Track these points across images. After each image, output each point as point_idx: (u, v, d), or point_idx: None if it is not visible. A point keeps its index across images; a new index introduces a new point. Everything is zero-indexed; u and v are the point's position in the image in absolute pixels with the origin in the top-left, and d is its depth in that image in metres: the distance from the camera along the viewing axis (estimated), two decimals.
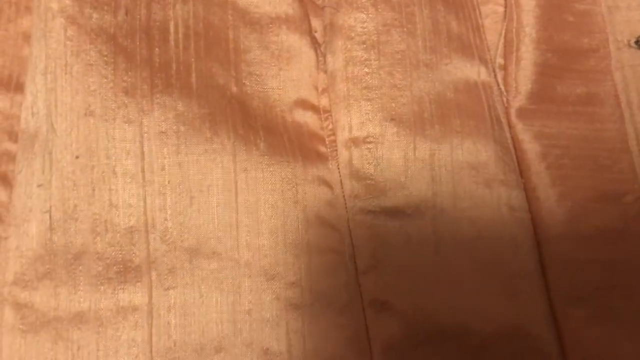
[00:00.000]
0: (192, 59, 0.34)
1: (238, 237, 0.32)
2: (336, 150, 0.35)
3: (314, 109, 0.36)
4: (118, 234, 0.31)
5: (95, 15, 0.33)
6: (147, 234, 0.31)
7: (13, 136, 0.34)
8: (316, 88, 0.36)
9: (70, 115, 0.32)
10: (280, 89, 0.36)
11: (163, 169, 0.32)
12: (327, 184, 0.34)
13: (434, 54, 0.36)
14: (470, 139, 0.35)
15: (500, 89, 0.37)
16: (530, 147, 0.36)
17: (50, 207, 0.31)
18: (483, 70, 0.37)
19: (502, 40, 0.38)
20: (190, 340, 0.31)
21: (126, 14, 0.34)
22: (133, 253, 0.31)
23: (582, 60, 0.38)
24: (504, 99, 0.37)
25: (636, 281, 0.34)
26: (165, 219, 0.32)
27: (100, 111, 0.32)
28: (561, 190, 0.35)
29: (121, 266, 0.31)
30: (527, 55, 0.37)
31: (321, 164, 0.35)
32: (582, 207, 0.35)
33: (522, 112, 0.37)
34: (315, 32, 0.37)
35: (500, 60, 0.38)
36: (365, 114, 0.35)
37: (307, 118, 0.36)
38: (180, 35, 0.34)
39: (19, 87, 0.35)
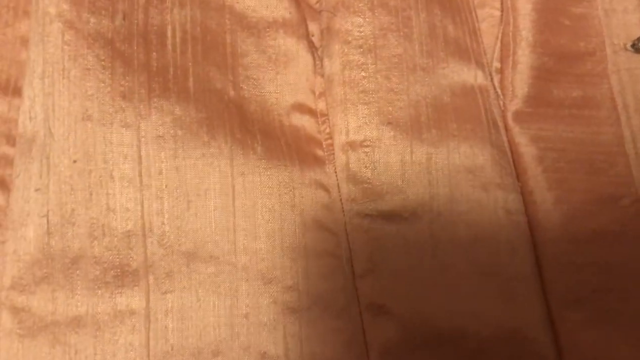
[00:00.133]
0: (190, 63, 0.34)
1: (235, 241, 0.32)
2: (333, 153, 0.35)
3: (311, 112, 0.36)
4: (115, 238, 0.31)
5: (92, 20, 0.33)
6: (144, 238, 0.32)
7: (11, 140, 0.34)
8: (313, 92, 0.37)
9: (68, 120, 0.32)
10: (277, 92, 0.36)
11: (160, 173, 0.32)
12: (324, 187, 0.35)
13: (431, 57, 0.37)
14: (467, 142, 0.35)
15: (496, 92, 0.38)
16: (527, 151, 0.36)
17: (48, 211, 0.31)
18: (480, 74, 0.37)
19: (498, 44, 0.38)
20: (188, 344, 0.31)
21: (124, 18, 0.34)
22: (130, 257, 0.31)
23: (579, 64, 0.38)
24: (501, 103, 0.37)
25: (633, 284, 0.34)
26: (163, 223, 0.32)
27: (98, 115, 0.32)
28: (558, 194, 0.35)
29: (118, 270, 0.31)
30: (524, 58, 0.37)
31: (318, 168, 0.35)
32: (578, 210, 0.35)
33: (518, 116, 0.37)
34: (313, 36, 0.37)
35: (496, 64, 0.38)
36: (362, 117, 0.35)
37: (304, 122, 0.36)
38: (178, 40, 0.35)
39: (17, 91, 0.35)
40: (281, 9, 0.37)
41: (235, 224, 0.32)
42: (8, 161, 0.34)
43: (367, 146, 0.35)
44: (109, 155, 0.32)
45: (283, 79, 0.36)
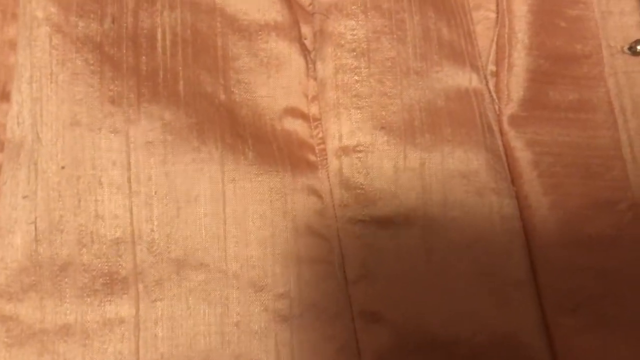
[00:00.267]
0: (180, 67, 0.34)
1: (226, 248, 0.32)
2: (326, 159, 0.35)
3: (304, 117, 0.36)
4: (104, 245, 0.31)
5: (81, 24, 0.33)
6: (133, 245, 0.31)
7: None
8: (306, 96, 0.36)
9: (56, 125, 0.32)
10: (269, 96, 0.36)
11: (150, 179, 0.32)
12: (317, 193, 0.34)
13: (425, 61, 0.36)
14: (462, 147, 0.35)
15: (491, 96, 0.37)
16: (522, 155, 0.36)
17: (36, 218, 0.31)
18: (474, 77, 0.37)
19: (493, 47, 0.38)
20: (178, 352, 0.31)
21: (113, 22, 0.34)
22: (119, 265, 0.31)
23: (575, 67, 0.38)
24: (496, 106, 0.37)
25: (629, 289, 0.34)
26: (152, 230, 0.32)
27: (86, 121, 0.32)
28: (553, 198, 0.35)
29: (107, 278, 0.31)
30: (519, 61, 0.37)
31: (311, 173, 0.35)
32: (574, 215, 0.35)
33: (514, 120, 0.37)
34: (305, 39, 0.37)
35: (491, 67, 0.38)
36: (355, 122, 0.35)
37: (296, 126, 0.36)
38: (168, 43, 0.34)
39: (5, 96, 0.35)
40: (273, 11, 0.37)
41: (226, 231, 0.32)
42: None
43: (360, 151, 0.35)
44: (97, 161, 0.32)
45: (275, 83, 0.36)
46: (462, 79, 0.37)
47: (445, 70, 0.37)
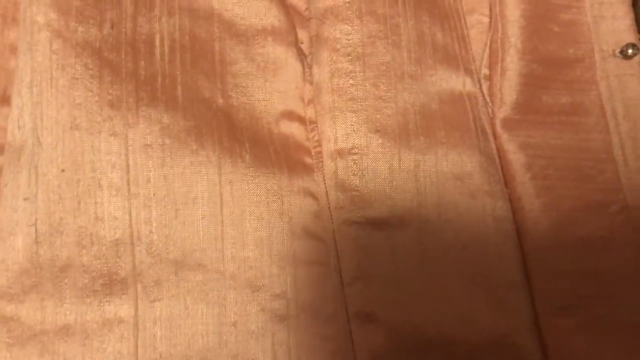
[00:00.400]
0: (178, 72, 0.35)
1: (223, 249, 0.33)
2: (322, 161, 0.36)
3: (300, 120, 0.37)
4: (104, 247, 0.32)
5: (80, 29, 0.34)
6: (132, 246, 0.32)
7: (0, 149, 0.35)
8: (302, 99, 0.37)
9: (56, 129, 0.32)
10: (266, 100, 0.36)
11: (148, 181, 0.33)
12: (313, 195, 0.35)
13: (419, 65, 0.37)
14: (455, 150, 0.36)
15: (485, 99, 0.38)
16: (515, 158, 0.37)
17: (36, 220, 0.32)
18: (468, 80, 0.38)
19: (487, 51, 0.39)
20: (176, 352, 0.32)
21: (112, 27, 0.35)
22: (119, 266, 0.32)
23: (568, 71, 0.38)
24: (489, 110, 0.38)
25: (621, 291, 0.35)
26: (151, 232, 0.32)
27: (86, 124, 0.33)
28: (546, 201, 0.36)
29: (107, 279, 0.32)
30: (512, 65, 0.38)
31: (307, 176, 0.35)
32: (567, 217, 0.36)
33: (507, 123, 0.37)
34: (302, 43, 0.38)
35: (485, 71, 0.39)
36: (351, 125, 0.36)
37: (293, 129, 0.36)
38: (166, 48, 0.35)
39: (6, 100, 0.36)
40: (270, 16, 0.37)
41: (224, 232, 0.33)
42: None
43: (355, 154, 0.35)
44: (97, 164, 0.32)
45: (272, 87, 0.37)
46: (456, 82, 0.37)
47: (439, 74, 0.37)
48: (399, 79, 0.37)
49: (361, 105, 0.36)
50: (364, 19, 0.37)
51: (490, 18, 0.39)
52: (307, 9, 0.38)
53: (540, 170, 0.36)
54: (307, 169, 0.36)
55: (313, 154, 0.36)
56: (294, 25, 0.38)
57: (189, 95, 0.35)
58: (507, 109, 0.37)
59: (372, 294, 0.34)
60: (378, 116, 0.36)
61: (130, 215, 0.32)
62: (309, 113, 0.37)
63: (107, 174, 0.32)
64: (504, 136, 0.37)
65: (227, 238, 0.33)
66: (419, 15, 0.38)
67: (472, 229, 0.35)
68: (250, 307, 0.33)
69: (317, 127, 0.36)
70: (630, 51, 0.38)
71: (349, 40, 0.37)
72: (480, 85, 0.38)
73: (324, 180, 0.36)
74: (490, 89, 0.38)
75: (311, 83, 0.37)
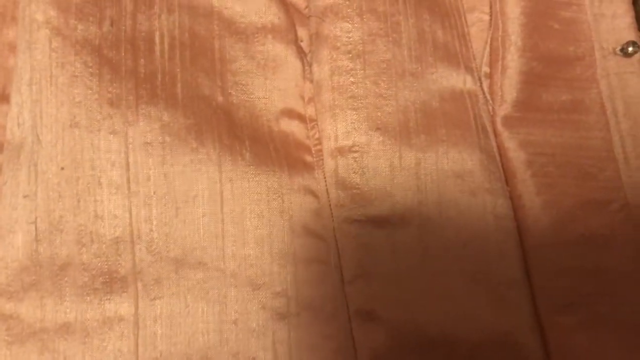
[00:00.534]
0: (178, 69, 0.35)
1: (224, 247, 0.33)
2: (322, 159, 0.36)
3: (300, 118, 0.37)
4: (104, 245, 0.32)
5: (80, 27, 0.34)
6: (132, 244, 0.32)
7: None
8: (302, 97, 0.37)
9: (56, 127, 0.32)
10: (266, 98, 0.37)
11: (148, 179, 0.33)
12: (313, 193, 0.35)
13: (420, 63, 0.37)
14: (456, 147, 0.36)
15: (485, 97, 0.38)
16: (516, 156, 0.37)
17: (36, 218, 0.32)
18: (469, 78, 0.38)
19: (487, 49, 0.39)
20: (177, 350, 0.32)
21: (111, 25, 0.35)
22: (119, 264, 0.32)
23: (568, 68, 0.39)
24: (490, 108, 0.38)
25: (622, 288, 0.35)
26: (151, 230, 0.32)
27: (86, 122, 0.33)
28: (547, 199, 0.36)
29: (107, 277, 0.32)
30: (513, 63, 0.38)
31: (307, 174, 0.35)
32: (567, 215, 0.36)
33: (507, 121, 0.37)
34: (301, 41, 0.38)
35: (485, 69, 0.39)
36: (351, 123, 0.36)
37: (293, 127, 0.37)
38: (166, 46, 0.35)
39: (5, 98, 0.36)
40: (270, 14, 0.37)
41: (224, 230, 0.33)
42: None
43: (355, 152, 0.35)
44: (96, 162, 0.32)
45: (272, 85, 0.37)
46: (457, 80, 0.38)
47: (440, 71, 0.37)
48: (400, 76, 0.37)
49: (362, 103, 0.36)
50: (365, 16, 0.37)
51: (491, 16, 0.40)
52: (306, 7, 0.39)
53: (540, 168, 0.36)
54: (308, 167, 0.36)
55: (313, 152, 0.36)
56: (294, 23, 0.38)
57: (189, 92, 0.35)
58: (508, 107, 0.38)
59: (373, 292, 0.34)
60: (379, 114, 0.36)
61: (130, 213, 0.32)
62: (309, 111, 0.37)
63: (107, 172, 0.32)
64: (504, 134, 0.37)
65: (227, 236, 0.33)
66: (420, 13, 0.38)
67: (473, 226, 0.35)
68: (250, 305, 0.33)
69: (317, 125, 0.37)
70: (630, 49, 0.38)
71: (350, 38, 0.37)
72: (481, 83, 0.39)
73: (325, 178, 0.36)
74: (490, 86, 0.38)
75: (311, 81, 0.37)
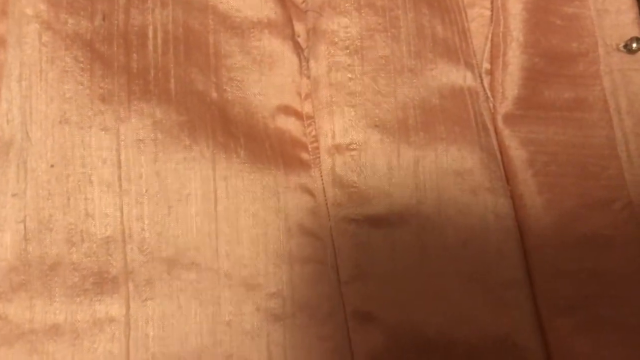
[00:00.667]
0: (171, 65, 0.35)
1: (217, 247, 0.33)
2: (319, 157, 0.36)
3: (297, 115, 0.36)
4: (94, 244, 0.32)
5: (71, 21, 0.34)
6: (124, 244, 0.32)
7: None
8: (299, 94, 0.37)
9: (45, 123, 0.32)
10: (262, 94, 0.36)
11: (140, 177, 0.32)
12: (310, 192, 0.35)
13: (419, 59, 0.37)
14: (456, 145, 0.36)
15: (486, 94, 0.38)
16: (517, 154, 0.36)
17: (25, 216, 0.31)
18: (469, 75, 0.37)
19: (488, 45, 0.39)
20: (169, 352, 0.31)
21: (103, 19, 0.34)
22: (110, 264, 0.32)
23: (571, 65, 0.38)
24: (491, 105, 0.38)
25: (625, 290, 0.35)
26: (143, 229, 0.32)
27: (76, 119, 0.32)
28: (548, 198, 0.36)
29: (97, 277, 0.31)
30: (514, 59, 0.38)
31: (303, 172, 0.35)
32: (569, 214, 0.36)
33: (508, 118, 0.37)
34: (298, 36, 0.38)
35: (486, 65, 0.39)
36: (349, 120, 0.35)
37: (289, 124, 0.36)
38: (159, 41, 0.35)
39: None
40: (266, 9, 0.37)
41: (218, 230, 0.33)
42: None
43: (353, 149, 0.35)
44: (87, 159, 0.32)
45: (268, 81, 0.36)
46: (457, 77, 0.37)
47: (439, 68, 0.37)
48: (398, 73, 0.36)
49: (359, 99, 0.36)
50: (363, 11, 0.37)
51: (492, 11, 0.39)
52: (304, 1, 0.38)
53: (542, 166, 0.36)
54: (304, 165, 0.35)
55: (310, 149, 0.36)
56: (291, 18, 0.38)
57: (183, 88, 0.34)
58: (509, 104, 0.37)
59: (370, 293, 0.34)
60: (377, 111, 0.36)
61: (121, 212, 0.32)
62: (306, 108, 0.37)
63: (97, 169, 0.32)
64: (505, 132, 0.37)
65: (221, 235, 0.33)
66: (419, 8, 0.38)
67: (473, 226, 0.35)
68: (245, 306, 0.32)
69: (314, 122, 0.36)
70: (634, 45, 0.38)
71: (347, 33, 0.37)
72: (482, 79, 0.38)
73: (321, 176, 0.35)
74: (491, 83, 0.38)
75: (308, 77, 0.37)
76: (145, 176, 0.32)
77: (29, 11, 0.33)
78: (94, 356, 0.31)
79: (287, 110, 0.36)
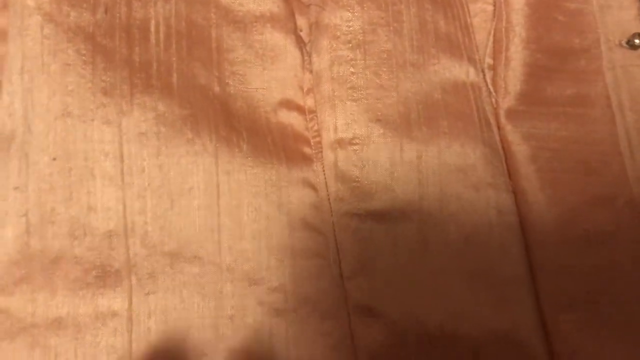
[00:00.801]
0: (174, 58, 0.35)
1: (220, 241, 0.33)
2: (321, 151, 0.36)
3: (299, 109, 0.37)
4: (97, 238, 0.32)
5: (73, 13, 0.34)
6: (126, 238, 0.32)
7: None
8: (301, 88, 0.37)
9: (47, 116, 0.32)
10: (264, 89, 0.36)
11: (143, 171, 0.32)
12: (312, 186, 0.35)
13: (421, 53, 0.37)
14: (458, 141, 0.36)
15: (489, 89, 0.38)
16: (520, 149, 0.37)
17: (27, 210, 0.31)
18: (472, 70, 0.38)
19: (491, 40, 0.39)
20: (171, 346, 0.31)
21: (105, 12, 0.34)
22: (112, 257, 0.32)
23: (573, 61, 0.38)
24: (493, 100, 0.38)
25: (627, 286, 0.35)
26: (145, 223, 0.32)
27: (78, 112, 0.32)
28: (551, 194, 0.36)
29: (100, 271, 0.32)
30: (517, 55, 0.38)
31: (306, 166, 0.35)
32: (572, 210, 0.36)
33: (511, 114, 0.37)
34: (301, 30, 0.38)
35: (489, 60, 0.39)
36: (351, 114, 0.35)
37: (292, 119, 0.36)
38: (162, 34, 0.35)
39: None
40: (269, 2, 0.37)
41: (220, 224, 0.33)
42: None
43: (355, 144, 0.35)
44: (89, 152, 0.32)
45: (270, 75, 0.36)
46: (459, 72, 0.37)
47: (442, 63, 0.37)
48: (401, 67, 0.36)
49: (362, 94, 0.36)
50: (365, 5, 0.37)
51: (495, 6, 0.39)
52: None
53: (545, 162, 0.36)
54: (306, 160, 0.35)
55: (312, 144, 0.36)
56: (293, 11, 0.38)
57: (185, 82, 0.34)
58: (511, 100, 0.37)
59: (372, 288, 0.34)
60: (379, 105, 0.36)
61: (124, 205, 0.32)
62: (309, 102, 0.37)
63: (100, 163, 0.32)
64: (508, 127, 0.37)
65: (223, 230, 0.33)
66: (421, 3, 0.38)
67: (475, 222, 0.35)
68: (247, 300, 0.32)
69: (316, 116, 0.36)
70: (637, 41, 0.38)
71: (350, 27, 0.37)
72: (484, 75, 0.38)
73: (324, 171, 0.35)
74: (494, 78, 0.38)
75: (311, 71, 0.37)
76: (148, 170, 0.32)
77: (31, 3, 0.33)
78: (96, 350, 0.31)
79: (289, 104, 0.36)
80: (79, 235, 0.32)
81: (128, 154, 0.32)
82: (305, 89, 0.37)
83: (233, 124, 0.34)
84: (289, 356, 0.32)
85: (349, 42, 0.36)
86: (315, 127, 0.36)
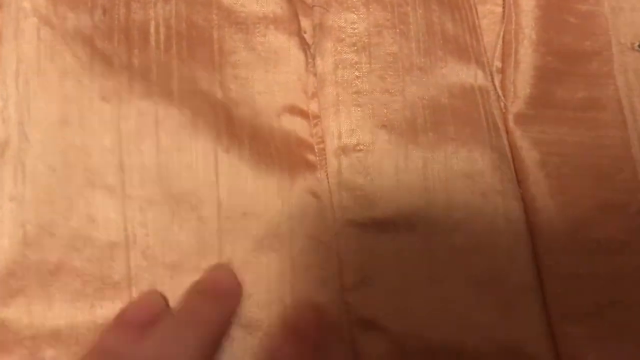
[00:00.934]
0: (174, 61, 0.34)
1: (220, 252, 0.32)
2: (325, 158, 0.35)
3: (303, 114, 0.36)
4: (97, 250, 0.31)
5: (70, 15, 0.33)
6: (127, 249, 0.31)
7: None
8: (305, 92, 0.36)
9: (45, 124, 0.32)
10: (267, 92, 0.36)
11: (143, 180, 0.32)
12: (315, 194, 0.34)
13: (428, 56, 0.36)
14: (466, 146, 0.35)
15: (497, 93, 0.38)
16: (529, 155, 0.36)
17: (24, 221, 0.31)
18: (480, 74, 0.37)
19: (500, 42, 0.38)
20: None
21: (104, 14, 0.34)
22: (112, 269, 0.31)
23: (584, 64, 0.38)
24: (502, 104, 0.37)
25: (638, 297, 0.34)
26: (147, 234, 0.32)
27: (77, 119, 0.32)
28: (561, 200, 0.35)
29: (100, 282, 0.31)
30: (526, 58, 0.37)
31: (309, 174, 0.35)
32: (583, 218, 0.35)
33: (520, 118, 0.37)
34: (305, 32, 0.37)
35: (497, 64, 0.38)
36: (355, 120, 0.35)
37: (295, 124, 0.36)
38: (162, 36, 0.34)
39: None
40: (272, 3, 0.37)
41: (221, 234, 0.32)
42: None
43: (360, 150, 0.35)
44: (89, 162, 0.32)
45: (273, 78, 0.36)
46: (467, 75, 0.37)
47: (449, 66, 0.37)
48: (407, 71, 0.36)
49: (367, 98, 0.35)
50: (371, 6, 0.36)
51: (504, 8, 0.39)
52: None
53: (555, 168, 0.36)
54: (310, 167, 0.35)
55: (316, 150, 0.36)
56: (297, 13, 0.37)
57: (186, 87, 0.34)
58: (521, 104, 0.37)
59: (375, 300, 0.33)
60: (384, 110, 0.35)
61: (124, 216, 0.32)
62: (313, 107, 0.36)
63: (100, 172, 0.32)
64: (517, 132, 0.37)
65: (225, 240, 0.32)
66: (428, 4, 0.37)
67: (483, 230, 0.34)
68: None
69: (320, 121, 0.36)
70: None
71: (354, 29, 0.36)
72: (493, 78, 0.38)
73: (327, 178, 0.35)
74: (502, 82, 0.38)
75: (315, 75, 0.36)
76: (148, 179, 0.32)
77: (27, 5, 0.33)
78: None
79: (292, 109, 0.36)
80: (80, 247, 0.31)
81: (128, 163, 0.32)
82: (309, 93, 0.36)
83: (235, 130, 0.34)
84: None
85: (354, 44, 0.36)
86: (319, 133, 0.36)
